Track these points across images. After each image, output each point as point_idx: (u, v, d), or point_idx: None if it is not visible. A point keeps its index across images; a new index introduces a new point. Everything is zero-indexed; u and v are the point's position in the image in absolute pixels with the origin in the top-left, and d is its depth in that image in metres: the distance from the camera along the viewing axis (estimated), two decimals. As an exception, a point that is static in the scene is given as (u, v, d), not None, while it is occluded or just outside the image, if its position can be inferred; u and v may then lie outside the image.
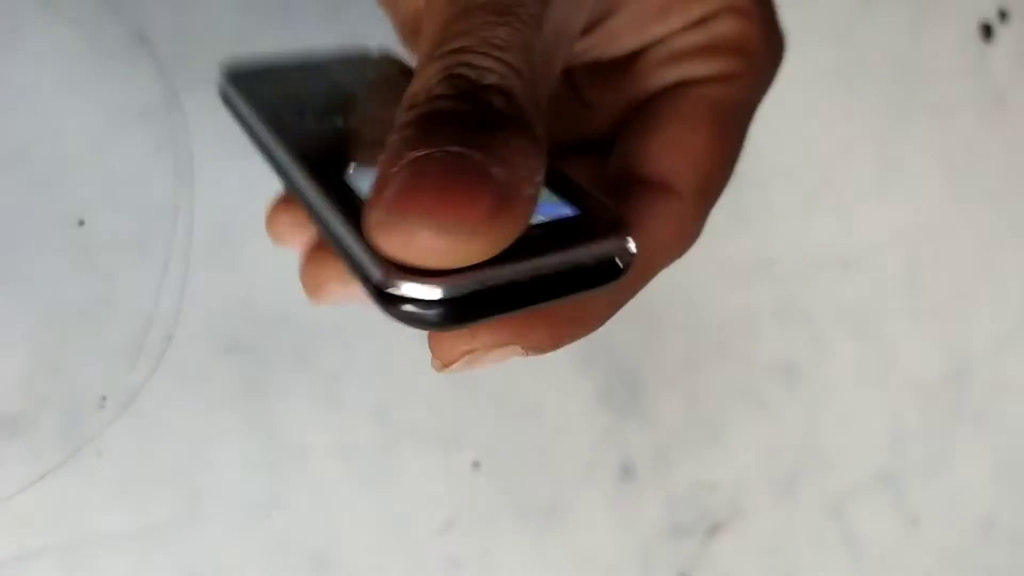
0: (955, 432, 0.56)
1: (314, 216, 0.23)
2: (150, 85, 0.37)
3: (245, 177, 0.38)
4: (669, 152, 0.21)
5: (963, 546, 0.56)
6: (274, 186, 0.38)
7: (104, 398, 0.36)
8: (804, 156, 0.51)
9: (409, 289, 0.17)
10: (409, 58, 0.29)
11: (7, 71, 0.34)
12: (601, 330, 0.44)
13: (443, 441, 0.41)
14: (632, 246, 0.20)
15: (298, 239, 0.26)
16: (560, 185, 0.21)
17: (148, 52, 0.37)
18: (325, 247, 0.25)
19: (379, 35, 0.34)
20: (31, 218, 0.35)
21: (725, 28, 0.21)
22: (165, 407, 0.36)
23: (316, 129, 0.26)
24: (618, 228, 0.20)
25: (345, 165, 0.23)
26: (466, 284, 0.18)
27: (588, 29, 0.21)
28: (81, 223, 0.35)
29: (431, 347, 0.20)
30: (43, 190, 0.35)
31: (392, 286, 0.17)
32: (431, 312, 0.18)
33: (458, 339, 0.19)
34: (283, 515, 0.38)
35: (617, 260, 0.20)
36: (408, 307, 0.18)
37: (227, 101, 0.29)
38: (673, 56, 0.21)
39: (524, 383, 0.43)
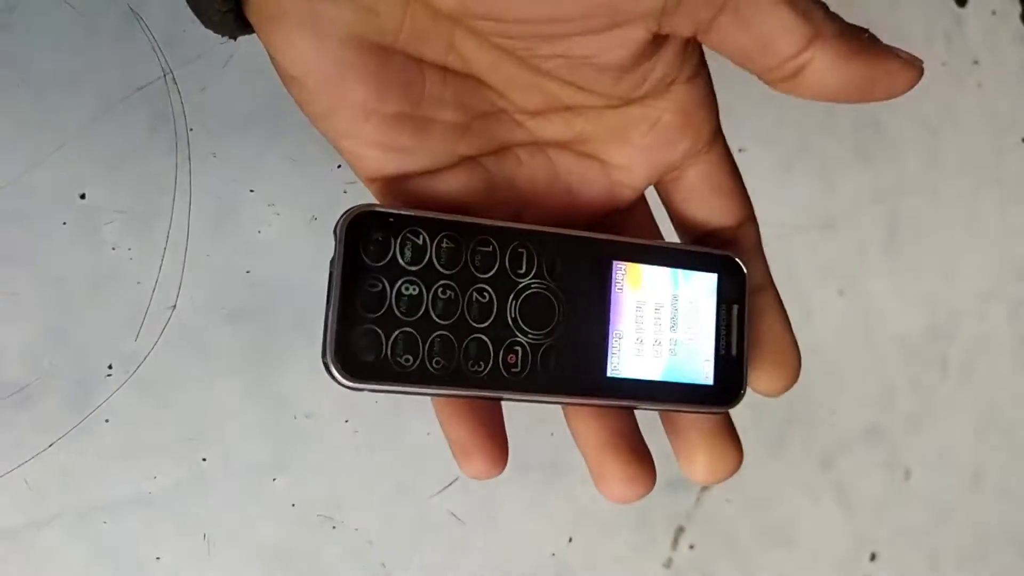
0: (941, 386, 0.57)
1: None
2: (145, 63, 0.37)
3: (242, 150, 0.39)
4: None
5: (953, 498, 0.57)
6: (273, 157, 0.39)
7: (110, 367, 0.37)
8: (782, 121, 0.53)
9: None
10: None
11: (4, 49, 0.35)
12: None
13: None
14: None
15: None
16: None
17: (143, 30, 0.37)
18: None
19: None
20: (33, 193, 0.36)
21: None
22: (170, 375, 0.37)
23: None
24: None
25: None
26: None
27: None
28: (82, 197, 0.36)
29: None
30: (44, 166, 0.36)
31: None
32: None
33: None
34: (288, 478, 0.39)
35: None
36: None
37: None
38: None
39: (519, 345, 0.44)
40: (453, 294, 0.25)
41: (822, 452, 0.52)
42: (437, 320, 0.25)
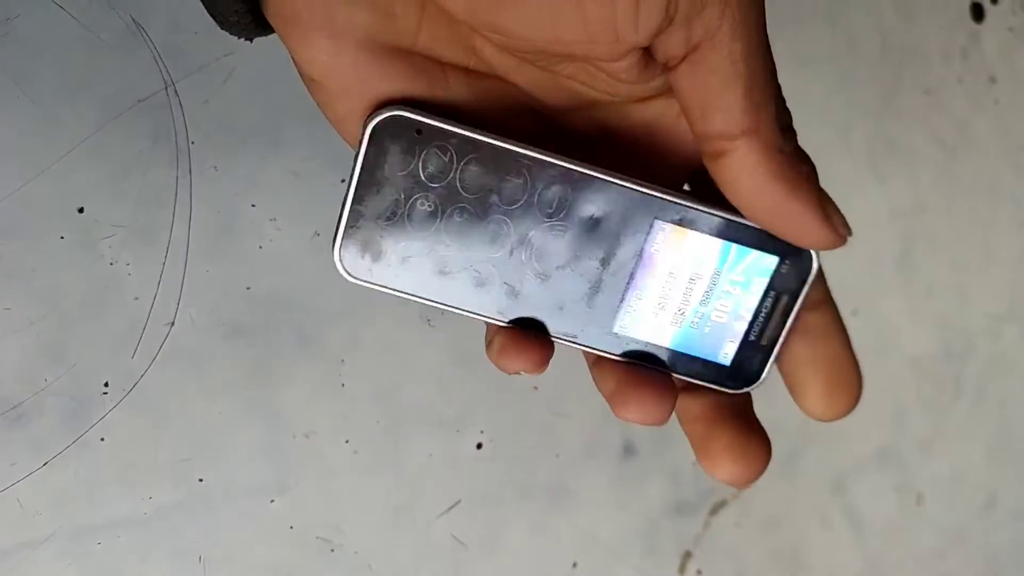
0: (954, 408, 0.56)
1: None
2: (146, 75, 0.37)
3: (243, 163, 0.38)
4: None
5: (965, 522, 0.56)
6: (274, 172, 0.38)
7: (106, 384, 0.36)
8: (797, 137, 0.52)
9: None
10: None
11: (3, 59, 0.35)
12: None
13: (447, 423, 0.41)
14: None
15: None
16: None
17: (145, 42, 0.37)
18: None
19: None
20: (32, 206, 0.35)
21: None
22: (167, 393, 0.37)
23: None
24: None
25: None
26: None
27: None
28: (81, 211, 0.36)
29: None
30: (42, 179, 0.35)
31: None
32: None
33: None
34: (288, 499, 0.38)
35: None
36: None
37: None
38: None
39: (524, 365, 0.43)
40: (469, 218, 0.25)
41: (833, 475, 0.51)
42: (446, 242, 0.25)
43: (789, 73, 0.50)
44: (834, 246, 0.24)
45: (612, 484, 0.45)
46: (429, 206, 0.25)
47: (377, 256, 0.25)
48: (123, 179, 0.36)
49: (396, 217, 0.25)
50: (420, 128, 0.23)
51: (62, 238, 0.35)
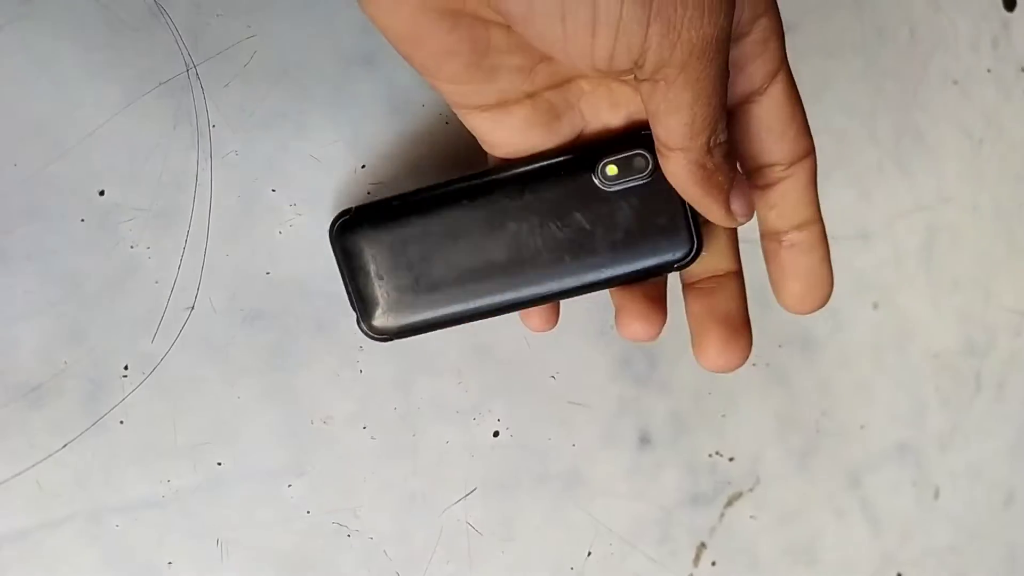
0: (973, 404, 0.55)
1: None
2: (168, 57, 0.37)
3: (264, 148, 0.38)
4: None
5: (983, 518, 0.56)
6: (295, 156, 0.38)
7: (126, 368, 0.36)
8: (821, 128, 0.51)
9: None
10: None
11: (25, 41, 0.35)
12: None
13: (464, 412, 0.41)
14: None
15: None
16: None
17: (166, 24, 0.37)
18: None
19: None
20: (52, 188, 0.35)
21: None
22: (186, 377, 0.37)
23: None
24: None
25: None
26: None
27: None
28: (102, 193, 0.36)
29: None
30: (63, 161, 0.35)
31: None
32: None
33: None
34: (305, 483, 0.38)
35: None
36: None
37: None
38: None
39: (543, 354, 0.43)
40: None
41: (850, 468, 0.51)
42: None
43: (814, 64, 0.49)
44: (733, 227, 0.32)
45: (627, 474, 0.45)
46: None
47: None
48: (144, 162, 0.36)
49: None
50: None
51: (83, 221, 0.35)
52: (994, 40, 0.56)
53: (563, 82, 0.31)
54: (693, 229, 0.33)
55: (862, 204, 0.52)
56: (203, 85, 0.37)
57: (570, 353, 0.43)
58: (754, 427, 0.48)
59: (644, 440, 0.45)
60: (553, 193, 0.32)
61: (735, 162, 0.30)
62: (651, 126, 0.29)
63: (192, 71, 0.37)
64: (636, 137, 0.32)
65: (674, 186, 0.30)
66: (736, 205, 0.30)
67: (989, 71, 0.56)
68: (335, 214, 0.34)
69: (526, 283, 0.33)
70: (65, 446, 0.35)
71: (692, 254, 0.33)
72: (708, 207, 0.30)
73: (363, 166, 0.39)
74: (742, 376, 0.47)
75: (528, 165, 0.33)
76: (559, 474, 0.43)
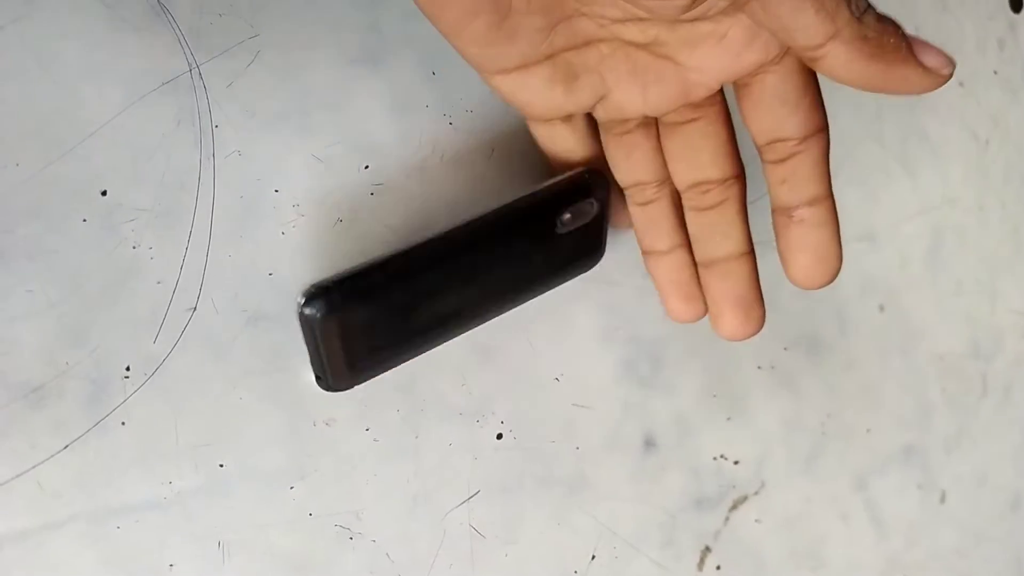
0: (980, 407, 0.55)
1: None
2: (171, 56, 0.36)
3: (267, 148, 0.37)
4: None
5: (989, 522, 0.55)
6: (298, 157, 0.38)
7: (128, 369, 0.36)
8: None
9: None
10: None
11: (27, 41, 0.34)
12: (625, 302, 0.44)
13: (467, 413, 0.41)
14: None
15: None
16: None
17: (168, 23, 0.36)
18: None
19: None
20: (54, 188, 0.35)
21: None
22: (189, 377, 0.36)
23: None
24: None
25: None
26: None
27: None
28: (104, 193, 0.35)
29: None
30: (65, 161, 0.35)
31: None
32: None
33: None
34: (307, 485, 0.38)
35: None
36: None
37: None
38: None
39: (547, 355, 0.42)
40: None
41: (856, 471, 0.51)
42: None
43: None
44: (940, 86, 0.28)
45: (632, 477, 0.44)
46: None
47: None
48: (146, 162, 0.36)
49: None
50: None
51: (84, 221, 0.35)
52: (1000, 42, 0.56)
53: (582, 44, 0.32)
54: (604, 239, 0.40)
55: (868, 205, 0.52)
56: (206, 85, 0.37)
57: (574, 355, 0.43)
58: (759, 430, 0.47)
59: (649, 443, 0.45)
60: (512, 243, 0.36)
61: (892, 21, 0.28)
62: (787, 44, 0.28)
63: (195, 70, 0.36)
64: (584, 186, 0.36)
65: (853, 84, 0.28)
66: (928, 58, 0.27)
67: (995, 73, 0.56)
68: (305, 289, 0.34)
69: (474, 313, 0.38)
70: (66, 447, 0.35)
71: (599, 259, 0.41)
72: (901, 77, 0.27)
73: (366, 166, 0.39)
74: (747, 378, 0.47)
75: (489, 218, 0.36)
76: (563, 477, 0.43)
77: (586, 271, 0.41)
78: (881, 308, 0.52)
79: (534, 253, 0.38)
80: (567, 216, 0.37)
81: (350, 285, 0.35)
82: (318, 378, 0.37)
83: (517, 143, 0.42)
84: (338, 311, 0.34)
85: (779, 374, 0.48)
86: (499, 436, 0.42)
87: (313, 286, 0.34)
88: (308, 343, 0.36)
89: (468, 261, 0.36)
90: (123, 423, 0.36)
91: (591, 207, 0.37)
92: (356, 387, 0.37)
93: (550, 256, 0.38)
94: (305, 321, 0.35)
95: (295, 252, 0.38)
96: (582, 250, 0.40)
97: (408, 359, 0.38)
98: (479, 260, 0.36)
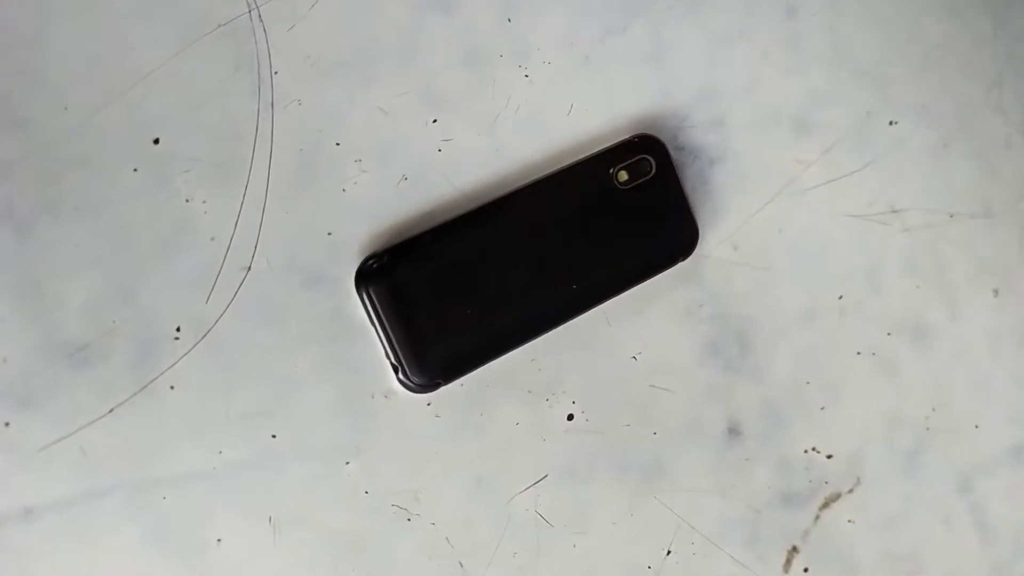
0: (1105, 406, 0.50)
1: None
2: (230, -2, 0.34)
3: (329, 98, 0.35)
4: None
5: (1109, 533, 0.50)
6: (362, 108, 0.35)
7: (178, 330, 0.34)
8: (942, 92, 0.46)
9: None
10: None
11: (80, -24, 0.32)
12: (712, 276, 0.40)
13: (536, 391, 0.38)
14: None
15: None
16: None
17: (228, -37, 0.34)
18: None
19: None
20: (104, 135, 0.32)
21: None
22: (241, 341, 0.34)
23: None
24: None
25: None
26: None
27: None
28: (156, 142, 0.33)
29: None
30: (116, 106, 0.33)
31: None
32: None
33: None
34: (364, 462, 0.36)
35: None
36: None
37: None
38: None
39: (625, 332, 0.39)
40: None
41: (961, 471, 0.46)
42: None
43: (935, 22, 0.44)
44: None
45: (714, 468, 0.41)
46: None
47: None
48: (201, 109, 0.33)
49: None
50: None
51: (135, 171, 0.33)
52: None
53: None
54: (690, 214, 0.39)
55: (985, 180, 0.47)
56: (266, 28, 0.34)
57: (654, 333, 0.40)
58: (856, 422, 0.43)
59: (733, 431, 0.41)
60: (572, 202, 0.36)
61: None
62: None
63: (254, 12, 0.34)
64: (638, 144, 0.37)
65: None
66: None
67: None
68: (365, 255, 0.35)
69: (559, 292, 0.37)
70: (111, 411, 0.33)
71: (696, 241, 0.39)
72: None
73: (434, 120, 0.36)
74: (845, 365, 0.43)
75: (540, 180, 0.36)
76: (638, 464, 0.40)
77: (683, 255, 0.39)
78: (996, 292, 0.47)
79: (601, 217, 0.36)
80: (620, 172, 0.36)
81: (407, 253, 0.34)
82: (393, 368, 0.35)
83: (598, 99, 0.38)
84: (402, 285, 0.33)
85: (881, 361, 0.43)
86: (570, 417, 0.39)
87: (366, 258, 0.34)
88: (371, 323, 0.34)
89: (529, 221, 0.36)
90: (172, 387, 0.34)
91: (647, 164, 0.37)
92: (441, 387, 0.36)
93: (621, 223, 0.37)
94: (361, 296, 0.33)
95: (356, 211, 0.35)
96: (660, 222, 0.37)
97: (488, 346, 0.36)
98: (537, 221, 0.36)
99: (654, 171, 0.37)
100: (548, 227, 0.36)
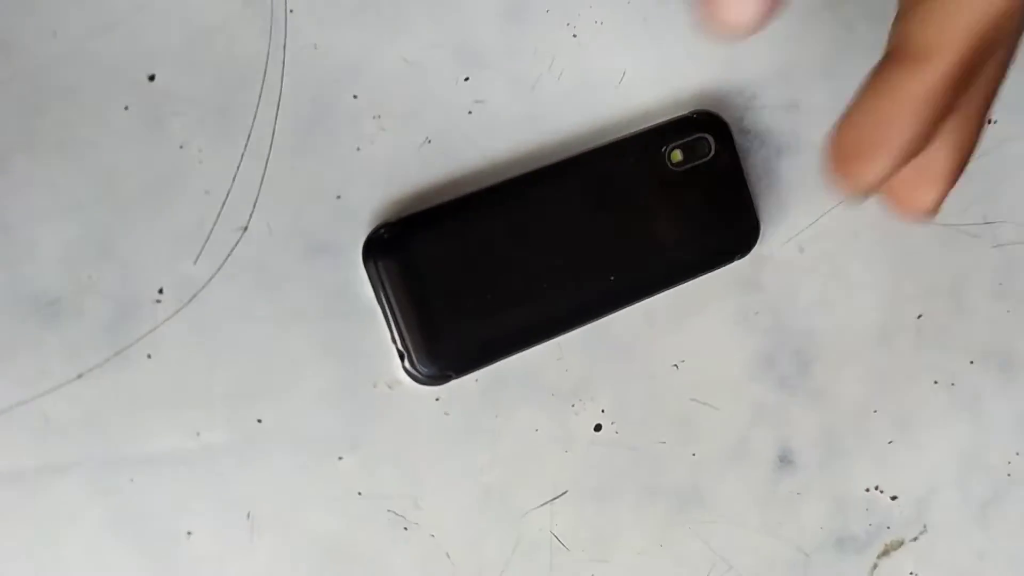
0: None
1: None
2: (250, -70, 0.30)
3: (349, 44, 0.31)
4: None
5: None
6: (386, 58, 0.31)
7: (160, 291, 0.30)
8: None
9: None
10: None
11: None
12: (770, 280, 0.35)
13: (561, 395, 0.33)
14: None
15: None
16: None
17: None
18: None
19: None
20: (94, 66, 0.29)
21: None
22: (231, 311, 0.30)
23: None
24: None
25: None
26: None
27: None
28: (152, 78, 0.30)
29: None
30: (109, 35, 0.29)
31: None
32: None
33: None
34: (359, 459, 0.32)
35: None
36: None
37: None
38: None
39: (666, 335, 0.34)
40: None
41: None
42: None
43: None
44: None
45: (759, 500, 0.36)
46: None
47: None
48: (204, 46, 0.30)
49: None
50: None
51: (126, 108, 0.29)
52: None
53: None
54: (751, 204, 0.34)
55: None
56: (285, -38, 0.30)
57: (701, 340, 0.35)
58: (928, 461, 0.38)
59: (785, 460, 0.36)
60: (619, 179, 0.32)
61: None
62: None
63: (273, -57, 0.30)
64: (697, 121, 0.33)
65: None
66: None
67: None
68: (372, 227, 0.31)
69: (594, 283, 0.32)
70: (80, 376, 0.29)
71: (756, 237, 0.34)
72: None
73: (466, 78, 0.32)
74: (919, 394, 0.37)
75: (582, 154, 0.32)
76: (673, 488, 0.35)
77: (740, 252, 0.34)
78: (1099, 326, 0.41)
79: (648, 198, 0.32)
80: (674, 151, 0.32)
81: (426, 226, 0.30)
82: (400, 355, 0.30)
83: (655, 68, 0.34)
84: (416, 260, 0.30)
85: (960, 393, 0.38)
86: (598, 427, 0.34)
87: (378, 227, 0.30)
88: (378, 302, 0.30)
89: (568, 197, 0.31)
90: (149, 356, 0.30)
91: (706, 145, 0.33)
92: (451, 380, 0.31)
93: (671, 208, 0.33)
94: (369, 270, 0.29)
95: (371, 174, 0.31)
96: (717, 211, 0.33)
97: (509, 339, 0.32)
98: (578, 197, 0.32)
99: (713, 153, 0.32)
100: (587, 208, 0.31)
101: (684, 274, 0.33)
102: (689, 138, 0.32)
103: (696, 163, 0.32)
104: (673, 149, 0.32)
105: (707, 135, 0.32)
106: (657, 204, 0.32)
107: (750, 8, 0.22)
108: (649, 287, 0.33)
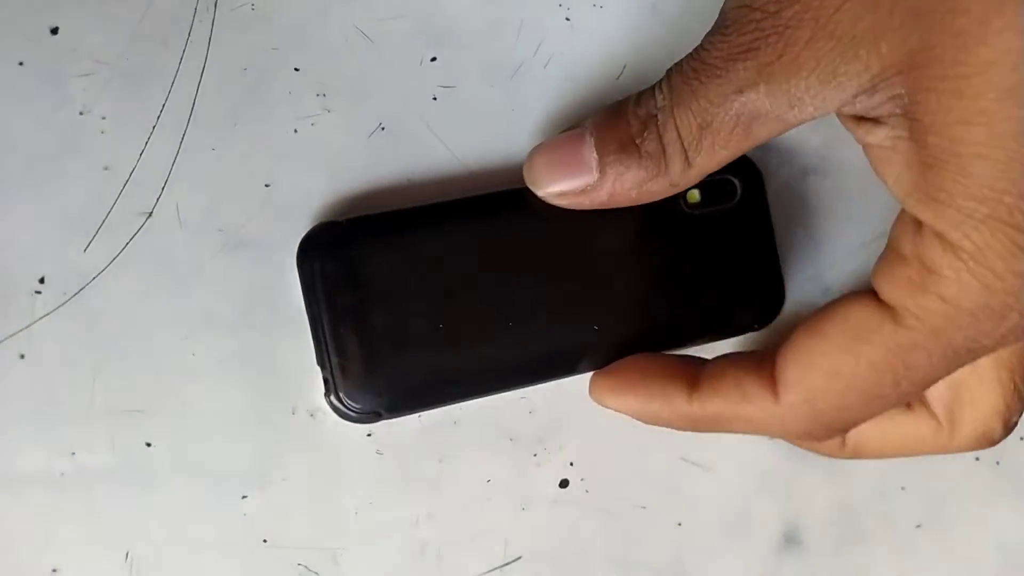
0: None
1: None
2: None
3: (296, 11, 0.26)
4: None
5: None
6: (336, 26, 0.27)
7: (41, 280, 0.25)
8: None
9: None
10: None
11: None
12: (788, 322, 0.30)
13: (522, 441, 0.28)
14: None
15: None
16: None
17: None
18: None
19: None
20: (-15, 12, 0.25)
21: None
22: (125, 310, 0.26)
23: None
24: None
25: None
26: None
27: None
28: (54, 32, 0.25)
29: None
30: (11, -23, 0.25)
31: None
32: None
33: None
34: (267, 499, 0.27)
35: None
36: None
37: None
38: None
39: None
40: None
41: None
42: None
43: None
44: None
45: (756, 585, 0.30)
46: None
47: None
48: (119, -3, 0.25)
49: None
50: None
51: (21, 64, 0.25)
52: None
53: None
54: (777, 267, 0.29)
55: None
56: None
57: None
58: (964, 550, 0.31)
59: (791, 539, 0.30)
60: (619, 209, 0.25)
61: None
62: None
63: None
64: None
65: None
66: None
67: None
68: (312, 225, 0.26)
69: (577, 330, 0.26)
70: (-63, 375, 0.25)
71: (779, 307, 0.29)
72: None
73: (433, 58, 0.27)
74: (957, 470, 0.31)
75: None
76: (652, 563, 0.29)
77: (758, 321, 0.28)
78: None
79: (657, 252, 0.27)
80: (695, 190, 0.27)
81: (380, 232, 0.25)
82: (325, 381, 0.25)
83: (663, 65, 0.28)
84: (362, 272, 0.25)
85: (1007, 472, 0.32)
86: (564, 483, 0.28)
87: (322, 224, 0.25)
88: (309, 314, 0.25)
89: (557, 231, 0.26)
90: (22, 356, 0.25)
91: (732, 188, 0.27)
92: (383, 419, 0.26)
93: (687, 276, 0.27)
94: (305, 274, 0.24)
95: (308, 161, 0.26)
96: (745, 285, 0.28)
97: (457, 383, 0.26)
98: (570, 233, 0.26)
99: (738, 199, 0.27)
100: (574, 239, 0.26)
101: (683, 340, 0.28)
102: (712, 176, 0.25)
103: (717, 208, 0.27)
104: (690, 189, 0.26)
105: (734, 178, 0.27)
106: (662, 249, 0.27)
107: (559, 187, 0.24)
108: (637, 347, 0.27)
